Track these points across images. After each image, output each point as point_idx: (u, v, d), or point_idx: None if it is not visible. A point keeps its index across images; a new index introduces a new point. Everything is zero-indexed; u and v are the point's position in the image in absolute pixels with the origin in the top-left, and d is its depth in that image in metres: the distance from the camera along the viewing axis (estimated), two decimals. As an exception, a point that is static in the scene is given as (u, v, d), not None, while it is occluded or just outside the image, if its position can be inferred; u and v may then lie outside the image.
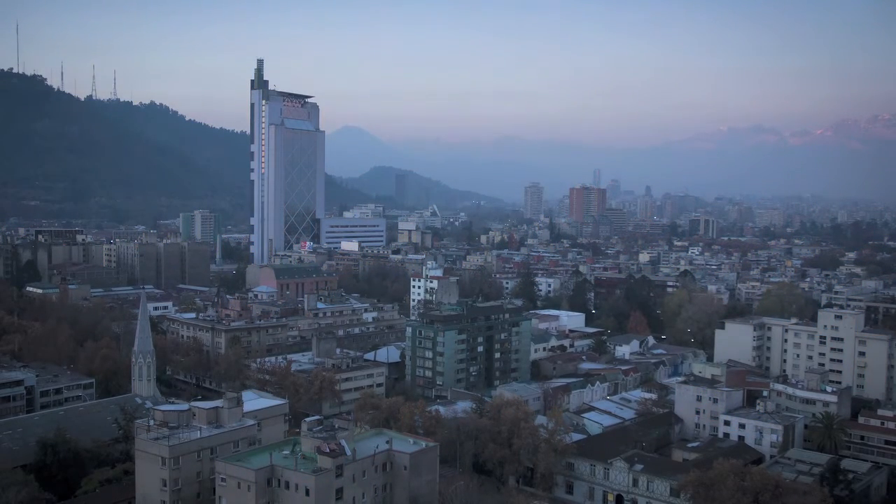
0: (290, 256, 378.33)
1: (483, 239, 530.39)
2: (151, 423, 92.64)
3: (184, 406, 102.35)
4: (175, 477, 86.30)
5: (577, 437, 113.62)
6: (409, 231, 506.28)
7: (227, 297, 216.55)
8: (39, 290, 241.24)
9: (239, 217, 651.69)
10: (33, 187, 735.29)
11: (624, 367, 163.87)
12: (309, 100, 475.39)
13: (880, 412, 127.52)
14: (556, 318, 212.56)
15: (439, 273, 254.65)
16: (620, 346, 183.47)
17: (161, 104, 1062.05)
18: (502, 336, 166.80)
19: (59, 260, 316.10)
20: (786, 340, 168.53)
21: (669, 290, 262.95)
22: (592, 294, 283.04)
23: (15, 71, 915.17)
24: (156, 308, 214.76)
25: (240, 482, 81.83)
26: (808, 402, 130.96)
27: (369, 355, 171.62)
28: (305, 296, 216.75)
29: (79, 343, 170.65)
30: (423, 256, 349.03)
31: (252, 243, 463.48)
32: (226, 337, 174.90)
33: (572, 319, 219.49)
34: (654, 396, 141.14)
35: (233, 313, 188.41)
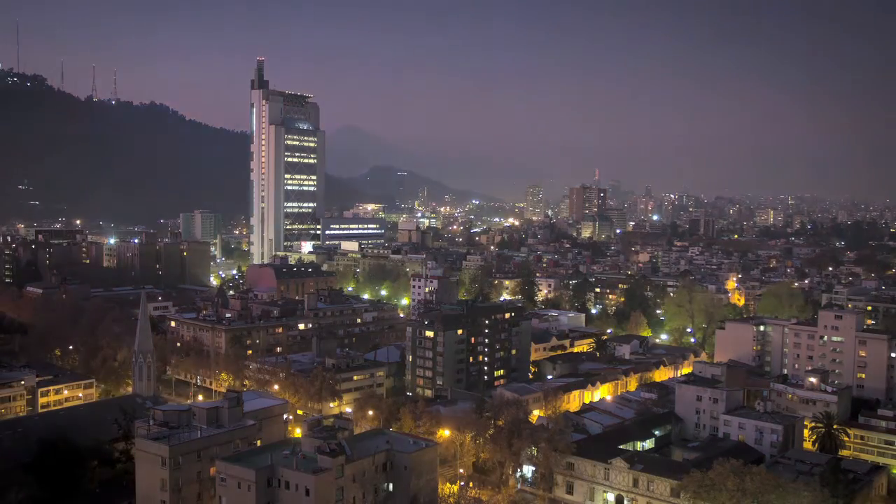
0: (289, 256, 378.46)
1: (483, 239, 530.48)
2: (151, 423, 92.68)
3: (184, 406, 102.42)
4: (175, 477, 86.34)
5: (577, 436, 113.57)
6: (409, 231, 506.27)
7: (228, 296, 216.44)
8: (39, 290, 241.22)
9: (239, 217, 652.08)
10: (33, 187, 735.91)
11: (624, 367, 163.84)
12: (309, 100, 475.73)
13: (880, 412, 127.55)
14: (556, 318, 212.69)
15: (439, 273, 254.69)
16: (620, 345, 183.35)
17: (161, 104, 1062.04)
18: (502, 336, 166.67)
19: (59, 260, 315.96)
20: (786, 340, 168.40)
21: (669, 290, 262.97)
22: (592, 294, 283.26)
23: (15, 70, 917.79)
24: (156, 308, 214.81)
25: (240, 482, 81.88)
26: (808, 401, 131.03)
27: (369, 355, 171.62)
28: (305, 295, 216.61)
29: (79, 343, 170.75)
30: (423, 256, 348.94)
31: (252, 243, 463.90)
32: (226, 336, 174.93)
33: (572, 319, 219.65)
34: (654, 396, 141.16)
35: (233, 313, 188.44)
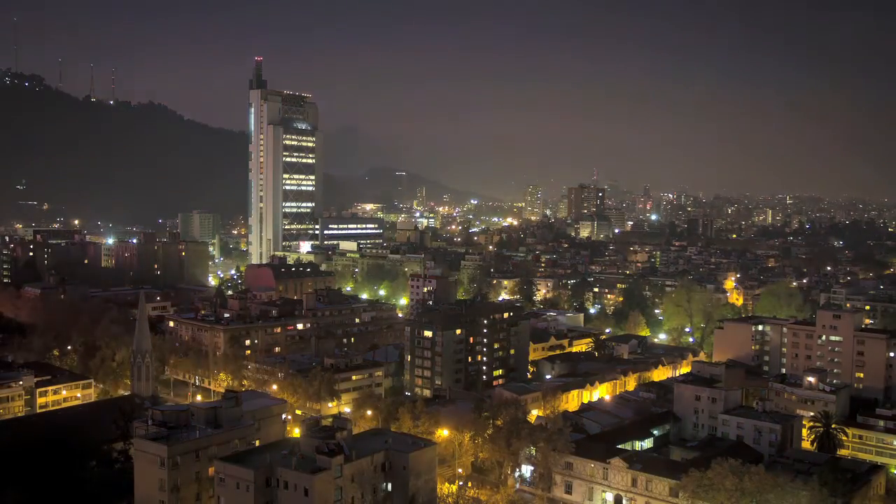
0: (288, 256, 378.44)
1: (481, 239, 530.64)
2: (150, 423, 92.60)
3: (182, 406, 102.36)
4: (174, 477, 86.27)
5: (575, 436, 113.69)
6: (408, 231, 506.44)
7: (226, 296, 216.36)
8: (38, 290, 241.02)
9: (237, 217, 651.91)
10: (31, 187, 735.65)
11: (622, 367, 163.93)
12: (307, 99, 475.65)
13: (879, 411, 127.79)
14: (555, 317, 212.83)
15: (438, 273, 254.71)
16: (619, 345, 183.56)
17: (159, 104, 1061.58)
18: (501, 336, 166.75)
19: (57, 260, 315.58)
20: (784, 340, 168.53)
21: (668, 289, 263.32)
22: (591, 294, 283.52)
23: (13, 70, 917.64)
24: (154, 308, 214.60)
25: (239, 482, 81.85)
26: (806, 401, 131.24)
27: (368, 355, 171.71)
28: (304, 295, 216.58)
29: (77, 343, 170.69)
30: (422, 256, 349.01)
31: (250, 243, 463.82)
32: (224, 336, 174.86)
33: (571, 319, 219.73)
34: (652, 396, 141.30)
35: (231, 313, 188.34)
